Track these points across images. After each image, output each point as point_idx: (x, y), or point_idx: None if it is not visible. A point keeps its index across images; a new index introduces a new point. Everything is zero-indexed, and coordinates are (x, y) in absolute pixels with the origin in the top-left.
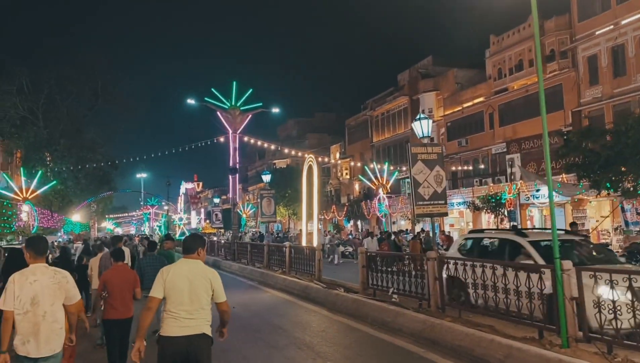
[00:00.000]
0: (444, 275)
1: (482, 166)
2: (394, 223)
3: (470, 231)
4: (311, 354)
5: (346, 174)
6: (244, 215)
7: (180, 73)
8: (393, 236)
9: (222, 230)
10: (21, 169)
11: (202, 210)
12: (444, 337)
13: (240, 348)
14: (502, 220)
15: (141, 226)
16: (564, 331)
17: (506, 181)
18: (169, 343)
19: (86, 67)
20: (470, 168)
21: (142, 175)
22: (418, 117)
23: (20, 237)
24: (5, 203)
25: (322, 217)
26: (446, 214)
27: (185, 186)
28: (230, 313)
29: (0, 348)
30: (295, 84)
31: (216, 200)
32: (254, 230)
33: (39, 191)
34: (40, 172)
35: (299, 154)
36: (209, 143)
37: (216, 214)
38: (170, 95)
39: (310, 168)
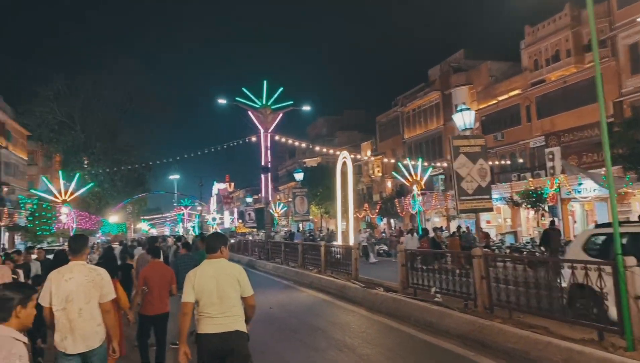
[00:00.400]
0: (564, 284)
1: (520, 161)
2: (427, 220)
3: (599, 225)
4: (353, 357)
5: (378, 171)
6: (276, 214)
7: (211, 74)
8: (432, 234)
9: (255, 230)
10: (60, 172)
11: (235, 210)
12: (495, 339)
13: (278, 349)
14: (542, 216)
15: (175, 227)
16: (628, 332)
17: (546, 176)
18: (205, 340)
19: (120, 71)
20: (507, 162)
21: (174, 176)
22: (459, 108)
23: (61, 239)
24: (45, 206)
25: (355, 215)
26: (491, 209)
27: (217, 187)
28: (255, 307)
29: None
30: (324, 82)
31: (249, 199)
32: (285, 229)
33: (77, 194)
34: (78, 175)
35: (331, 151)
36: (240, 142)
37: (249, 214)
38: (201, 96)
39: (344, 164)
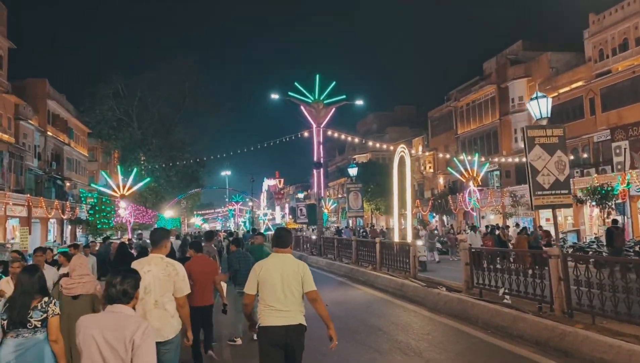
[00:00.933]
0: None
1: (584, 156)
2: (482, 217)
3: None
4: (420, 361)
5: (430, 167)
6: (326, 210)
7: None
8: (497, 231)
9: (306, 225)
10: (118, 167)
11: (286, 205)
12: (579, 348)
13: (339, 351)
14: (609, 213)
15: (226, 221)
16: None
17: (612, 171)
18: (268, 332)
19: (175, 70)
20: (571, 157)
21: (226, 173)
22: (534, 95)
23: (119, 232)
24: (104, 199)
25: (405, 212)
26: (570, 205)
27: (267, 183)
28: (319, 301)
29: None
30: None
31: (300, 195)
32: (335, 225)
33: (134, 188)
34: (135, 169)
35: (384, 146)
36: (292, 138)
37: (300, 210)
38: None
39: (401, 159)
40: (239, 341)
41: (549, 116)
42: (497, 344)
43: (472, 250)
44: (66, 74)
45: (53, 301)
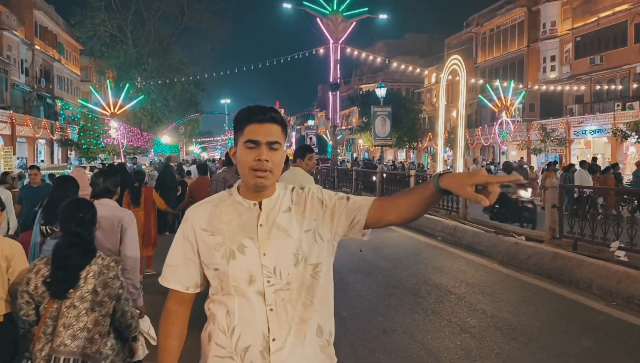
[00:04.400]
0: None
1: (620, 87)
2: (503, 153)
3: None
4: (548, 355)
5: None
6: (330, 142)
7: None
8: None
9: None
10: (108, 82)
11: (293, 134)
12: None
13: (409, 326)
14: None
15: (225, 150)
16: None
17: None
18: None
19: None
20: (605, 88)
21: (226, 101)
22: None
23: (115, 156)
24: (90, 117)
25: (416, 145)
26: None
27: None
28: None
29: None
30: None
31: (310, 122)
32: (339, 158)
33: (127, 107)
34: (128, 85)
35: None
36: (300, 56)
37: (310, 138)
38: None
39: (453, 73)
40: None
41: None
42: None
43: (566, 190)
44: None
45: None
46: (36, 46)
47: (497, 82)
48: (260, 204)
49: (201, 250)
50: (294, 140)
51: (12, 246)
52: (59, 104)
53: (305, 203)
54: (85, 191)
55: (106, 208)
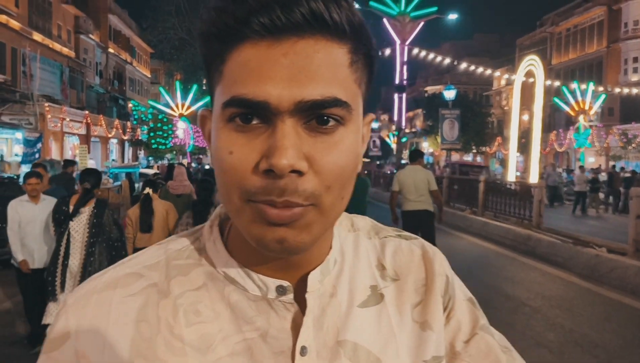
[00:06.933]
0: None
1: None
2: (578, 159)
3: None
4: None
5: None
6: (395, 145)
7: None
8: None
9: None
10: (177, 83)
11: None
12: None
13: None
14: None
15: None
16: None
17: None
18: (407, 214)
19: None
20: None
21: None
22: None
23: (181, 156)
24: (160, 117)
25: (484, 150)
26: None
27: None
28: (442, 199)
29: None
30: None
31: (375, 125)
32: (403, 161)
33: (194, 108)
34: (195, 86)
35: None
36: None
37: (374, 141)
38: None
39: (529, 74)
40: None
41: None
42: None
43: None
44: None
45: None
46: (110, 49)
47: (573, 85)
48: (297, 287)
49: None
50: None
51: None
52: (131, 105)
53: (433, 287)
54: (185, 183)
55: None
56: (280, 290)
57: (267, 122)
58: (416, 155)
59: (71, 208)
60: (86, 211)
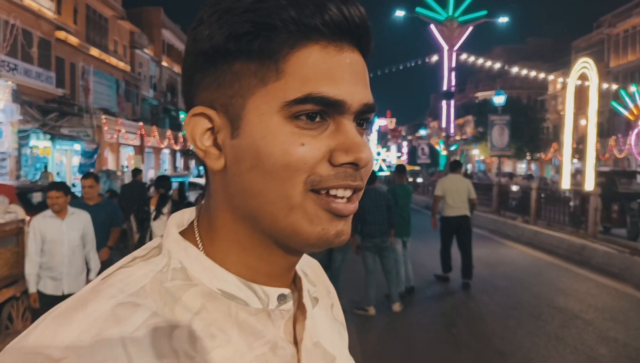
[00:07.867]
0: None
1: None
2: (639, 165)
3: None
4: None
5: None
6: (444, 152)
7: None
8: None
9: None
10: None
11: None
12: None
13: (528, 349)
14: None
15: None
16: None
17: None
18: (447, 220)
19: None
20: None
21: None
22: None
23: None
24: None
25: (539, 156)
26: None
27: (378, 123)
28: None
29: None
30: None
31: (422, 132)
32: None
33: None
34: None
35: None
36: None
37: (422, 149)
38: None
39: (583, 77)
40: (371, 311)
41: None
42: None
43: None
44: (180, 4)
45: None
46: (164, 63)
47: (633, 88)
48: (289, 295)
49: None
50: (405, 150)
51: None
52: (182, 116)
53: (333, 292)
54: None
55: None
56: (282, 299)
57: (327, 121)
58: (456, 165)
59: (152, 208)
60: (166, 212)
